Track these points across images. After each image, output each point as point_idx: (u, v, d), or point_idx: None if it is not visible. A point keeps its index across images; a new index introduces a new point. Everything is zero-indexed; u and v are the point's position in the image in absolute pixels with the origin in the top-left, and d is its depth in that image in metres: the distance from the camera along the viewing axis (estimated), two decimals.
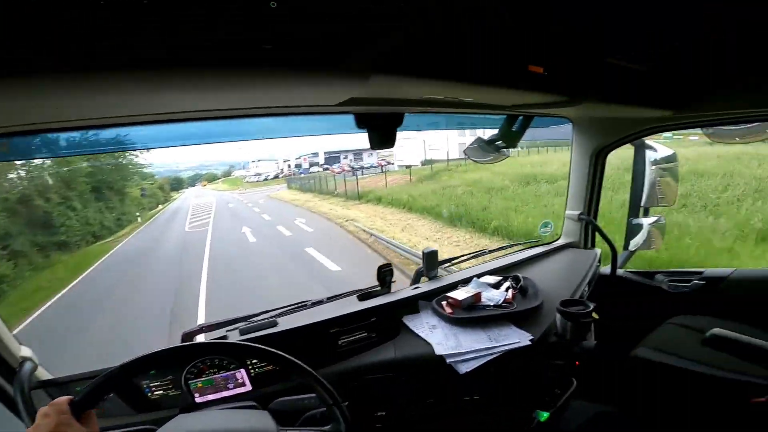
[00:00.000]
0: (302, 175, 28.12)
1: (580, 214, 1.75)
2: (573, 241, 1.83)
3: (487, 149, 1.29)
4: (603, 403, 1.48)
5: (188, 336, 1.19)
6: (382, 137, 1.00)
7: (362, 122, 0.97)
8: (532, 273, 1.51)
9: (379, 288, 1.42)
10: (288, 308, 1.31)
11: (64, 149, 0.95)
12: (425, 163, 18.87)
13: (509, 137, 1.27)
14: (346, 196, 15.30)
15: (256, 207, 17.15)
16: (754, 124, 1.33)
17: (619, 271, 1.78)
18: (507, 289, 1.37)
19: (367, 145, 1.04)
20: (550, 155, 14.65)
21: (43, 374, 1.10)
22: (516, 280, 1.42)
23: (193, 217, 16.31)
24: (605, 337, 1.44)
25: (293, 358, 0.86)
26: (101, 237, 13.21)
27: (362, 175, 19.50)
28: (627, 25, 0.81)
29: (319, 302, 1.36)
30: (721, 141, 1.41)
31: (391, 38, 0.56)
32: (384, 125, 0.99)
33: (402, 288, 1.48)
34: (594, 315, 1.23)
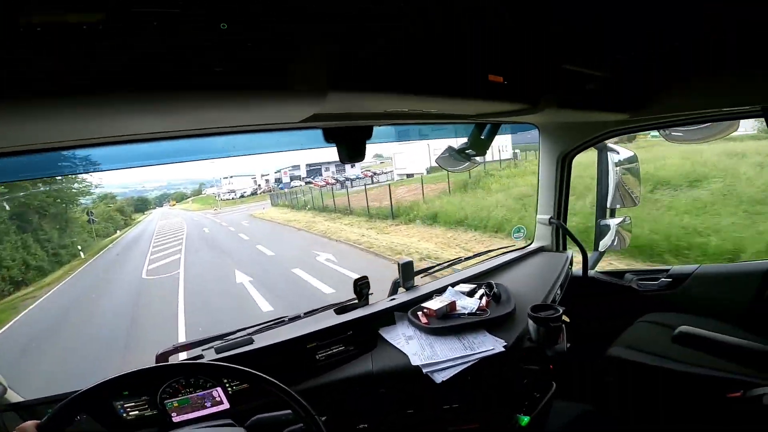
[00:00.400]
0: (284, 190, 26.68)
1: (551, 218, 1.78)
2: (545, 245, 1.87)
3: (458, 157, 1.30)
4: (584, 402, 1.49)
5: (162, 356, 1.17)
6: (352, 151, 1.00)
7: (330, 136, 0.97)
8: (506, 279, 1.52)
9: (356, 301, 1.41)
10: (264, 325, 1.29)
11: (19, 173, 0.92)
12: (431, 170, 16.68)
13: (479, 144, 1.28)
14: (368, 214, 12.13)
15: (242, 233, 13.24)
16: (707, 124, 1.40)
17: (591, 272, 1.82)
18: (481, 297, 1.38)
19: None
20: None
21: (13, 396, 1.08)
22: (489, 287, 1.42)
23: (157, 249, 11.79)
24: (578, 339, 1.46)
25: (265, 376, 0.84)
26: (22, 283, 9.26)
27: (352, 187, 17.96)
28: (582, 31, 0.83)
29: (297, 317, 1.35)
30: (677, 141, 1.47)
31: (345, 56, 0.56)
32: (353, 139, 0.99)
33: (379, 300, 1.46)
34: (564, 318, 1.24)
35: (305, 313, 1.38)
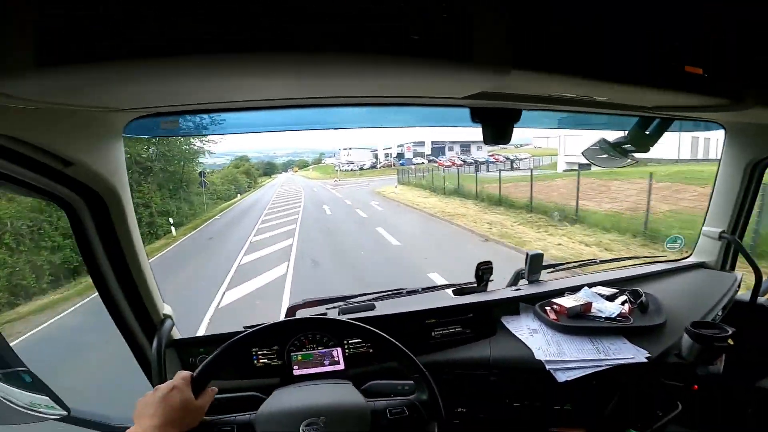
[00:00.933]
0: (405, 167, 24.65)
1: (722, 232, 1.51)
2: (707, 261, 1.59)
3: (612, 152, 1.19)
4: None
5: (292, 310, 1.27)
6: (498, 133, 0.97)
7: (477, 116, 0.95)
8: (652, 290, 1.37)
9: (475, 285, 1.43)
10: (384, 293, 1.35)
11: (199, 129, 1.01)
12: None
13: (641, 140, 1.15)
14: (529, 209, 8.90)
15: (380, 225, 9.59)
16: None
17: (761, 299, 1.50)
18: (623, 303, 1.28)
19: (473, 137, 0.99)
20: None
21: (175, 333, 1.15)
22: (635, 294, 1.31)
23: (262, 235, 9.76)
24: (733, 365, 1.25)
25: (401, 346, 0.86)
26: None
27: (487, 171, 15.73)
28: None
29: (415, 291, 1.40)
30: None
31: (532, 32, 0.53)
32: (501, 121, 0.96)
33: (498, 288, 1.47)
34: (729, 341, 1.09)
35: (423, 289, 1.42)
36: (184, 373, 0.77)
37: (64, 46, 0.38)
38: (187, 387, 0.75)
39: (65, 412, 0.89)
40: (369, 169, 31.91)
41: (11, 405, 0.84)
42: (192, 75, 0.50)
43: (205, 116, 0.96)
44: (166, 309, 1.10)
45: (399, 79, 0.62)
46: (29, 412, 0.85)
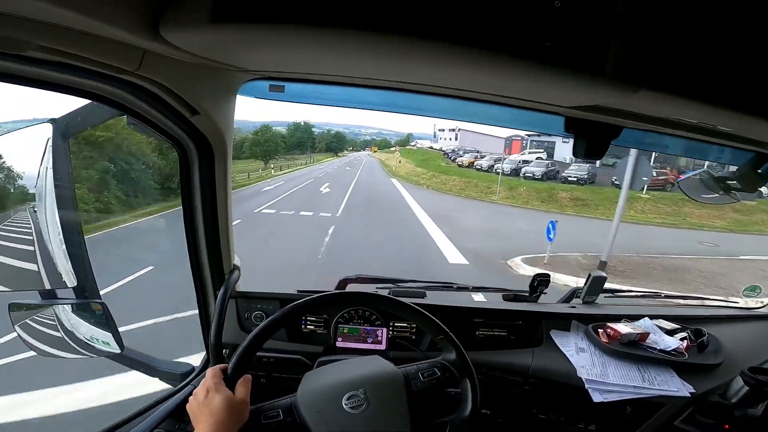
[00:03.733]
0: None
1: None
2: None
3: (714, 187, 1.11)
4: None
5: (343, 283, 1.30)
6: (592, 147, 0.91)
7: (572, 127, 0.90)
8: (717, 332, 1.31)
9: (527, 294, 1.42)
10: (434, 284, 1.38)
11: (316, 100, 1.04)
12: None
13: (750, 180, 1.05)
14: None
15: None
16: None
17: None
18: (682, 339, 1.24)
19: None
20: None
21: (238, 285, 1.17)
22: (698, 334, 1.26)
23: None
24: None
25: (454, 338, 0.89)
26: None
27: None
28: None
29: (465, 288, 1.42)
30: None
31: (671, 50, 0.50)
32: (598, 135, 0.90)
33: (550, 302, 1.45)
34: None
35: (474, 288, 1.44)
36: (215, 370, 0.76)
37: (235, 6, 0.41)
38: (221, 385, 0.73)
39: (120, 350, 0.92)
40: (486, 170, 20.15)
41: (74, 336, 0.88)
42: (310, 46, 0.51)
43: (308, 86, 0.97)
44: (236, 260, 1.14)
45: (515, 81, 0.61)
46: (88, 345, 0.89)
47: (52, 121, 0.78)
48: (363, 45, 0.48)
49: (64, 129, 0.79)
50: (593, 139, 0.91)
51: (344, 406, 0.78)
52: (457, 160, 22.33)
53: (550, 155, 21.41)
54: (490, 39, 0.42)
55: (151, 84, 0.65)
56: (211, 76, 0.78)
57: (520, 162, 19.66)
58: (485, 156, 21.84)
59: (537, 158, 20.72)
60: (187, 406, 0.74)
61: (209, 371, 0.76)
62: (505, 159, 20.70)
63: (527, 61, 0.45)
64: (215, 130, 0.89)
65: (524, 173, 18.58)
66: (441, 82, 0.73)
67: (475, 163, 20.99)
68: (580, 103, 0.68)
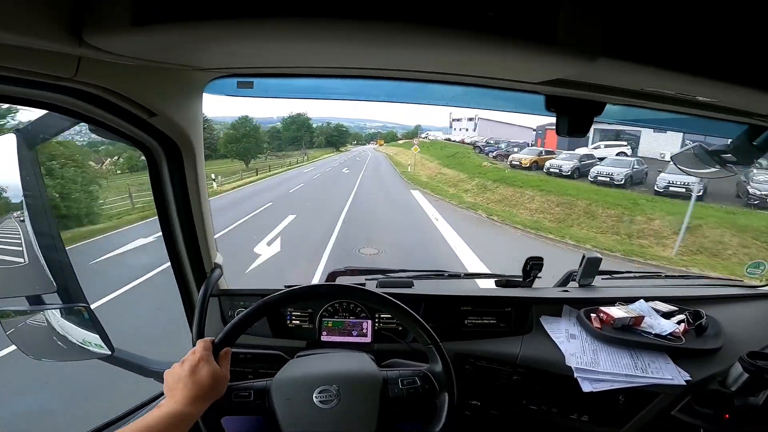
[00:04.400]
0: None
1: None
2: None
3: (708, 160, 1.06)
4: None
5: (333, 275, 1.29)
6: (575, 124, 0.88)
7: (553, 105, 0.87)
8: (717, 313, 1.26)
9: (520, 279, 1.39)
10: (424, 272, 1.35)
11: (291, 93, 1.04)
12: None
13: (745, 152, 1.00)
14: None
15: None
16: None
17: None
18: (679, 322, 1.19)
19: None
20: None
21: (222, 283, 1.17)
22: (696, 316, 1.21)
23: None
24: None
25: (434, 334, 0.87)
26: None
27: None
28: None
29: (456, 275, 1.39)
30: None
31: (626, 17, 0.47)
32: (580, 112, 0.87)
33: (545, 286, 1.42)
34: None
35: (465, 274, 1.41)
36: (206, 342, 0.77)
37: (158, 7, 0.41)
38: (211, 356, 0.75)
39: (110, 352, 0.91)
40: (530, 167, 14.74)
41: (65, 340, 0.88)
42: (271, 39, 0.50)
43: (281, 80, 0.96)
44: (218, 258, 1.14)
45: (467, 57, 0.58)
46: (79, 348, 0.89)
47: (17, 131, 0.78)
48: (304, 33, 0.46)
49: (28, 138, 0.79)
50: (575, 115, 0.88)
51: (314, 399, 0.78)
52: (510, 159, 15.58)
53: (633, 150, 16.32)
54: (427, 13, 0.40)
55: (96, 89, 0.64)
56: (166, 77, 0.77)
57: (582, 158, 13.93)
58: (554, 153, 15.14)
59: (618, 153, 15.17)
60: (167, 372, 0.74)
61: (200, 342, 0.77)
62: (588, 157, 14.34)
63: (468, 33, 0.43)
64: (179, 131, 0.88)
65: (596, 175, 12.42)
66: (388, 65, 0.71)
67: (548, 165, 13.97)
68: (546, 77, 0.65)
